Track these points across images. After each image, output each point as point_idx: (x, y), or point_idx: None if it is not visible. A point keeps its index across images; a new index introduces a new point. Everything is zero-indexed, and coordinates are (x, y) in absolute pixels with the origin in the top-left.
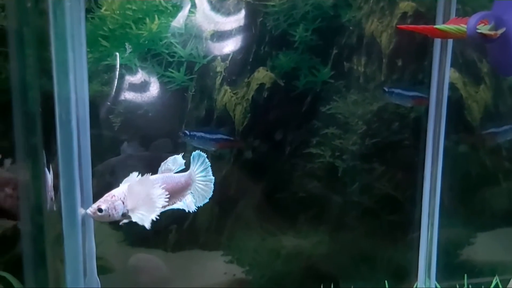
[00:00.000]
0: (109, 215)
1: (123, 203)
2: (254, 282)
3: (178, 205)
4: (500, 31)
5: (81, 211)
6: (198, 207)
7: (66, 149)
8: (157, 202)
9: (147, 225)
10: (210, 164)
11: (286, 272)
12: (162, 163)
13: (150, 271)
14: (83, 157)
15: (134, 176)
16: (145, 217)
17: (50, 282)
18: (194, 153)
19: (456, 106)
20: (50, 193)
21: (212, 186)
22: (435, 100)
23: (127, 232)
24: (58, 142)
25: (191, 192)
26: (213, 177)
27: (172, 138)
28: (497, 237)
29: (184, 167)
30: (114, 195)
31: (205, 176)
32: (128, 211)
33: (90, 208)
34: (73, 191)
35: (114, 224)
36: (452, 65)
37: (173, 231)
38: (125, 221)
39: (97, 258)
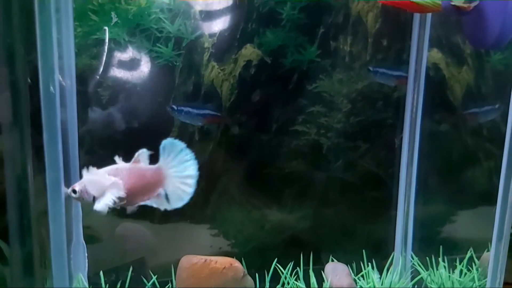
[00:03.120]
0: (82, 198)
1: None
2: (239, 254)
3: (150, 202)
4: (473, 4)
5: (65, 190)
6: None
7: (49, 120)
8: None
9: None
10: (192, 157)
11: (271, 244)
12: (136, 154)
13: (136, 240)
14: (69, 128)
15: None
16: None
17: (35, 248)
18: (164, 141)
19: (439, 86)
20: None
21: (194, 183)
22: (413, 79)
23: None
24: (42, 113)
25: (164, 190)
26: (195, 173)
27: (159, 112)
28: (478, 216)
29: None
30: (82, 183)
31: (183, 170)
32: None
33: (69, 189)
34: (57, 162)
35: None
36: (435, 46)
37: None
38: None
39: (85, 228)
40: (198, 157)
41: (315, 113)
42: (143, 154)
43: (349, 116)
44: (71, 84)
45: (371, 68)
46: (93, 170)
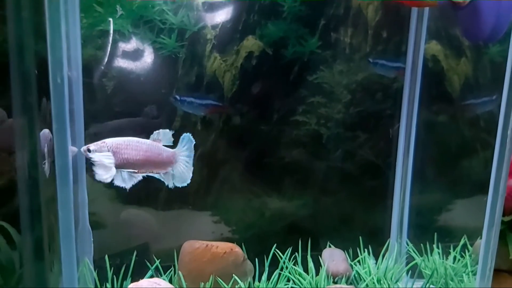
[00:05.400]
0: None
1: (108, 151)
2: (240, 240)
3: (158, 175)
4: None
5: (72, 149)
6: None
7: (58, 109)
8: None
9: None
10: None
11: (270, 231)
12: (155, 132)
13: (140, 226)
14: (76, 116)
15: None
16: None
17: (44, 233)
18: (184, 134)
19: (437, 78)
20: (47, 138)
21: (191, 174)
22: (410, 70)
23: (119, 190)
24: (51, 103)
25: (172, 170)
26: (192, 167)
27: (162, 102)
28: (473, 205)
29: (171, 143)
30: (104, 142)
31: (188, 161)
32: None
33: (83, 147)
34: (65, 149)
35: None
36: (434, 38)
37: (163, 190)
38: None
39: (90, 214)
40: (200, 146)
41: (315, 103)
42: (165, 133)
43: (349, 106)
44: (77, 75)
45: (371, 60)
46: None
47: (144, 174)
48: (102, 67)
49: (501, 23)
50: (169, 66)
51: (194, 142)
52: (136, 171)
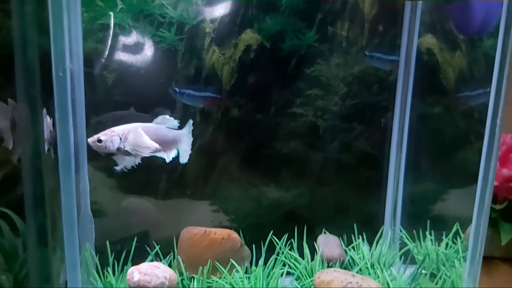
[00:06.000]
0: (106, 147)
1: (120, 139)
2: (238, 228)
3: (161, 154)
4: None
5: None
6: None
7: (61, 100)
8: (143, 152)
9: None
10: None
11: (268, 220)
12: (160, 116)
13: (141, 214)
14: (77, 108)
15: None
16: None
17: (47, 221)
18: (190, 121)
19: (432, 71)
20: (50, 128)
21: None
22: (404, 63)
23: (120, 179)
24: (54, 94)
25: (177, 149)
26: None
27: (162, 95)
28: (466, 195)
29: (176, 127)
30: (114, 131)
31: (189, 142)
32: (124, 146)
33: (91, 138)
34: (68, 137)
35: (108, 171)
36: (429, 32)
37: (163, 180)
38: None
39: (92, 203)
40: (199, 137)
41: (312, 96)
42: (167, 119)
43: (345, 99)
44: (78, 67)
45: (367, 53)
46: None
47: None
48: (103, 60)
49: (491, 16)
50: (169, 59)
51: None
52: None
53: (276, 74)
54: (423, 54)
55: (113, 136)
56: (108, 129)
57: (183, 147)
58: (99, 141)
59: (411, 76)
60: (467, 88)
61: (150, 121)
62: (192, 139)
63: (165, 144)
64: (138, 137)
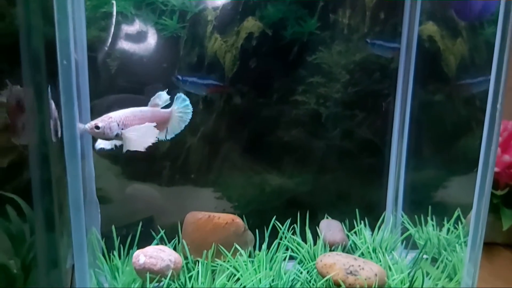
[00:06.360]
0: (104, 133)
1: (118, 125)
2: (241, 215)
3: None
4: None
5: (80, 126)
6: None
7: (66, 85)
8: (148, 140)
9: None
10: (191, 109)
11: (271, 207)
12: (152, 98)
13: (145, 200)
14: (82, 95)
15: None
16: (133, 144)
17: (54, 206)
18: (179, 94)
19: (434, 58)
20: (55, 115)
21: (184, 127)
22: (405, 50)
23: (125, 166)
24: (60, 81)
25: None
26: (187, 121)
27: (165, 82)
28: (468, 182)
29: (169, 102)
30: (111, 117)
31: (181, 117)
32: (121, 133)
33: (88, 124)
34: (73, 124)
35: (113, 158)
36: (430, 19)
37: (167, 167)
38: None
39: (97, 189)
40: (201, 125)
41: (314, 83)
42: (161, 96)
43: (347, 86)
44: (82, 55)
45: (368, 40)
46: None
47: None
48: (106, 48)
49: (489, 2)
50: (171, 47)
51: (188, 100)
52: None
53: (278, 61)
54: (424, 41)
55: (111, 123)
56: (104, 115)
57: (172, 123)
58: (97, 127)
59: (412, 63)
60: (468, 76)
61: (146, 103)
62: (184, 115)
63: (163, 125)
64: (137, 133)
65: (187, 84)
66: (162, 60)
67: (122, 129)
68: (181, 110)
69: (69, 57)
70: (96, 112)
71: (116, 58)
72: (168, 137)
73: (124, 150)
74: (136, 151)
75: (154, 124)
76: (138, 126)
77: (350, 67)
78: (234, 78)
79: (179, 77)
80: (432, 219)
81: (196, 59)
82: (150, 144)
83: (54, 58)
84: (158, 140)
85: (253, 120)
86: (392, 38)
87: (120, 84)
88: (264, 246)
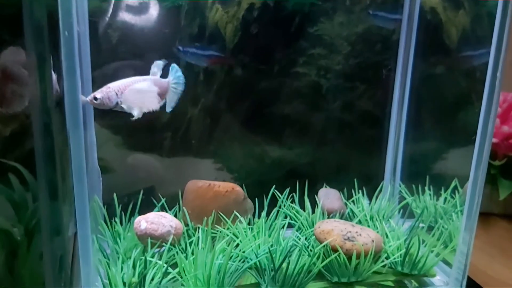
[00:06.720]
0: (104, 103)
1: (117, 94)
2: (241, 186)
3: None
4: None
5: (82, 98)
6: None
7: (68, 58)
8: (150, 104)
9: (136, 114)
10: (184, 79)
11: (271, 177)
12: (152, 66)
13: (147, 170)
14: (83, 63)
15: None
16: (135, 109)
17: (57, 175)
18: (173, 65)
19: (435, 30)
20: (56, 87)
21: (177, 100)
22: (406, 22)
23: (126, 137)
24: (61, 52)
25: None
26: (180, 91)
27: (166, 53)
28: (468, 154)
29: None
30: (109, 87)
31: (176, 88)
32: (121, 102)
33: (89, 97)
34: (75, 94)
35: (114, 128)
36: None
37: (168, 138)
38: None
39: (98, 160)
40: (202, 96)
41: (315, 55)
42: (157, 64)
43: (348, 58)
44: (84, 26)
45: (370, 12)
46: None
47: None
48: (107, 19)
49: None
50: (172, 17)
51: (180, 71)
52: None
53: (279, 33)
54: (426, 13)
55: (109, 93)
56: (105, 86)
57: (169, 95)
58: (95, 98)
59: (414, 35)
60: (470, 48)
61: (147, 71)
62: (178, 86)
63: (163, 95)
64: (136, 93)
65: (188, 55)
66: (163, 31)
67: (121, 98)
68: (176, 81)
69: (71, 28)
70: (98, 83)
71: (117, 28)
72: (168, 110)
73: (127, 110)
74: (139, 120)
75: (156, 89)
76: (137, 86)
77: (352, 39)
78: (235, 49)
79: (180, 48)
80: (429, 189)
81: (197, 30)
82: (153, 107)
83: (57, 30)
84: (159, 109)
85: (254, 91)
86: (394, 9)
87: (121, 55)
88: (264, 214)
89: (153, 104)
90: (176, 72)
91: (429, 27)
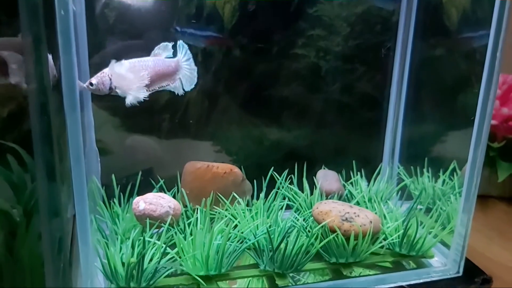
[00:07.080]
0: (99, 89)
1: (110, 79)
2: (240, 168)
3: (170, 87)
4: None
5: (79, 84)
6: (186, 91)
7: (65, 38)
8: (139, 84)
9: (128, 102)
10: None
11: (269, 159)
12: (156, 48)
13: (145, 151)
14: (80, 43)
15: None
16: (130, 95)
17: (55, 156)
18: (179, 42)
19: (435, 10)
20: (53, 71)
21: (196, 74)
22: (406, 2)
23: (124, 118)
24: (57, 32)
25: (179, 78)
26: (195, 67)
27: (163, 34)
28: (467, 136)
29: (171, 54)
30: (104, 72)
31: (189, 64)
32: (115, 87)
33: (86, 83)
34: (71, 76)
35: (112, 109)
36: None
37: (166, 120)
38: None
39: (97, 141)
40: (200, 77)
41: (314, 36)
42: (165, 46)
43: (347, 39)
44: (80, 5)
45: None
46: (120, 62)
47: (156, 90)
48: None
49: None
50: None
51: (187, 47)
52: (147, 89)
53: (278, 13)
54: None
55: (103, 78)
56: (100, 71)
57: (183, 73)
58: (91, 84)
59: (413, 15)
60: (470, 29)
61: (144, 52)
62: (190, 62)
63: (170, 76)
64: (119, 75)
65: (185, 36)
66: (161, 11)
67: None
68: (186, 58)
69: (67, 7)
70: (93, 65)
71: (114, 8)
72: (188, 89)
73: (121, 94)
74: (137, 105)
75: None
76: (118, 69)
77: (351, 20)
78: (233, 30)
79: (178, 28)
80: (428, 171)
81: (195, 10)
82: (142, 82)
83: (52, 9)
84: (177, 93)
85: (252, 73)
86: None
87: (118, 35)
88: (262, 195)
89: (141, 78)
90: (185, 50)
91: (429, 8)
